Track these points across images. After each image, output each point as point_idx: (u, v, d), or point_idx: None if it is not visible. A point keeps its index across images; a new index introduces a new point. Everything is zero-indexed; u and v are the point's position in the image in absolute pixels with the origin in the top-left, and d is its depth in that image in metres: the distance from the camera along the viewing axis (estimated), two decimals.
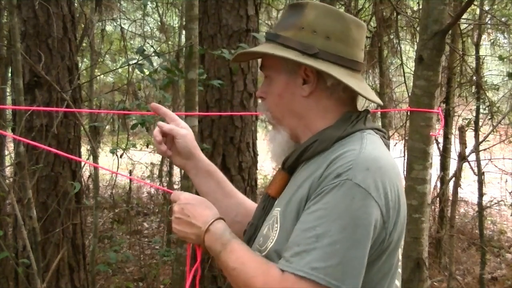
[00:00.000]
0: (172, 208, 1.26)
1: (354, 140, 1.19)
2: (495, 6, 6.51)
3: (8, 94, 4.53)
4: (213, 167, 1.49)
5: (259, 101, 1.34)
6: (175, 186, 7.89)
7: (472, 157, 4.78)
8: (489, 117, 5.89)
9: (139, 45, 5.69)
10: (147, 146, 8.74)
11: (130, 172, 8.21)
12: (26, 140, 1.40)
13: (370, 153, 1.15)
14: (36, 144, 1.32)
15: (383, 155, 1.17)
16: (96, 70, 6.80)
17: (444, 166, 6.47)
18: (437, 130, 3.82)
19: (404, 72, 5.87)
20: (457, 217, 6.47)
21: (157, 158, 8.89)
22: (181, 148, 1.43)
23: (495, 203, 5.98)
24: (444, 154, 6.44)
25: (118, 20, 7.43)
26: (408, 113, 4.37)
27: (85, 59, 7.83)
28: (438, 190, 5.82)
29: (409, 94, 3.90)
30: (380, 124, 6.55)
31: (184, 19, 4.47)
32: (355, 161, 1.11)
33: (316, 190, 1.12)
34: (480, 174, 4.72)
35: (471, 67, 6.30)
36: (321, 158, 1.19)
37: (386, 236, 1.13)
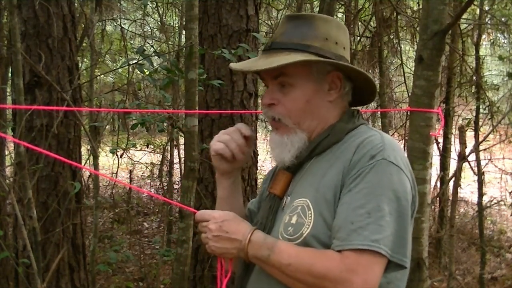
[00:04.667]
0: (207, 227, 1.29)
1: (364, 131, 1.33)
2: (495, 6, 6.50)
3: (8, 94, 4.53)
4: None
5: (263, 106, 1.37)
6: (175, 186, 7.89)
7: (472, 157, 4.78)
8: (489, 117, 5.89)
9: (139, 45, 5.69)
10: (147, 146, 8.75)
11: (130, 172, 8.21)
12: (25, 143, 1.40)
13: (389, 138, 1.31)
14: (35, 147, 1.31)
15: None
16: (96, 70, 6.80)
17: (444, 166, 6.47)
18: (437, 130, 3.82)
19: (404, 72, 5.88)
20: (457, 217, 6.47)
21: (157, 158, 8.90)
22: (245, 156, 1.47)
23: (495, 203, 5.97)
24: (444, 154, 6.44)
25: (118, 20, 7.43)
26: (408, 113, 4.37)
27: (85, 59, 7.83)
28: (438, 190, 5.82)
29: (409, 94, 3.90)
30: (380, 124, 6.55)
31: (184, 19, 4.47)
32: (383, 143, 1.25)
33: (351, 174, 1.22)
34: (480, 174, 4.72)
35: (471, 67, 6.31)
36: (335, 149, 1.32)
37: (414, 208, 1.29)
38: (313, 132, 1.35)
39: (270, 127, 1.41)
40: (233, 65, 1.40)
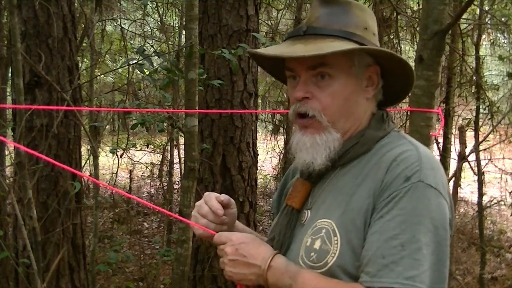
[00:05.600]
0: (223, 250, 1.18)
1: (395, 140, 1.19)
2: (495, 6, 6.50)
3: (8, 94, 4.53)
4: (243, 226, 1.43)
5: (294, 101, 1.21)
6: (175, 186, 7.89)
7: (472, 157, 4.78)
8: (489, 117, 5.89)
9: (139, 45, 5.69)
10: (147, 146, 8.75)
11: (130, 172, 8.21)
12: (24, 148, 1.40)
13: (426, 151, 1.15)
14: (33, 152, 1.30)
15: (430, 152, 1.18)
16: (96, 70, 6.80)
17: (444, 166, 6.43)
18: (437, 130, 3.82)
19: None
20: (457, 217, 6.48)
21: (157, 158, 8.91)
22: (231, 216, 1.32)
23: (495, 203, 5.97)
24: (444, 154, 6.43)
25: (118, 20, 7.43)
26: (408, 113, 4.37)
27: (85, 59, 7.83)
28: None
29: (409, 94, 3.90)
30: None
31: (184, 19, 4.48)
32: (420, 162, 1.10)
33: (383, 197, 1.08)
34: (480, 174, 4.72)
35: (471, 67, 6.30)
36: (364, 160, 1.17)
37: (451, 232, 1.13)
38: (346, 134, 1.21)
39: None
40: (262, 50, 1.22)
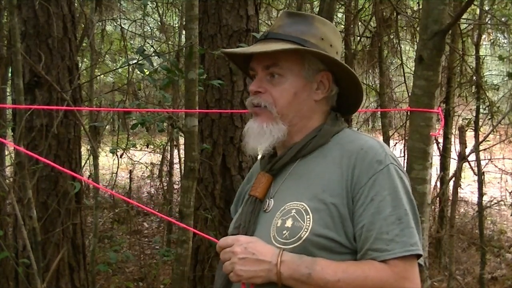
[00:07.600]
0: (232, 251, 1.23)
1: (352, 134, 1.35)
2: (495, 6, 6.50)
3: (8, 94, 4.53)
4: None
5: (250, 94, 1.38)
6: (175, 186, 7.89)
7: (472, 157, 4.78)
8: (489, 117, 5.89)
9: (139, 45, 5.68)
10: (147, 146, 8.75)
11: (130, 172, 8.21)
12: (24, 150, 1.40)
13: (380, 140, 1.34)
14: (33, 154, 1.30)
15: None
16: (96, 70, 6.79)
17: (444, 166, 6.47)
18: (437, 130, 3.82)
19: (404, 72, 5.88)
20: (457, 217, 6.48)
21: (157, 158, 8.90)
22: None
23: (495, 203, 5.97)
24: (444, 154, 6.43)
25: (118, 20, 7.42)
26: (408, 113, 4.37)
27: (85, 59, 7.82)
28: (438, 190, 5.82)
29: (409, 94, 3.90)
30: (380, 124, 6.55)
31: (184, 19, 4.47)
32: (383, 148, 1.28)
33: (364, 181, 1.22)
34: (480, 174, 4.72)
35: (471, 67, 6.30)
36: (325, 151, 1.32)
37: None
38: (294, 128, 1.35)
39: (255, 119, 1.40)
40: (226, 50, 1.42)
